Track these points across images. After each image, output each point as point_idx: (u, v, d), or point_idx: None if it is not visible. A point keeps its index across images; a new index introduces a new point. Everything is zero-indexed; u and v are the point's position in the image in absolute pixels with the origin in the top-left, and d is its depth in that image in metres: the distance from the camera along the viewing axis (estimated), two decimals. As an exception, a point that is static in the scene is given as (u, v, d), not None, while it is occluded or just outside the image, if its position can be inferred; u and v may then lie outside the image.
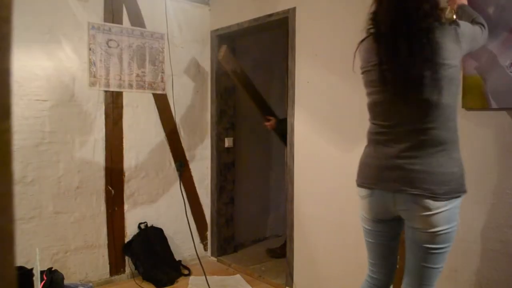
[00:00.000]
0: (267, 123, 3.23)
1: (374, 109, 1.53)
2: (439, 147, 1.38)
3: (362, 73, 1.55)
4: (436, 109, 1.37)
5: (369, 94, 1.54)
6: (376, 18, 1.47)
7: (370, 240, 1.63)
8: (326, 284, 2.61)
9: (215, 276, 3.07)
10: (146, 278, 2.99)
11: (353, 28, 2.36)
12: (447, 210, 1.38)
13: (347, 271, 2.45)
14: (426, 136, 1.39)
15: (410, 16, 1.37)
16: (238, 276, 3.14)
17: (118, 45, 2.98)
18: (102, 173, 2.93)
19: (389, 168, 1.45)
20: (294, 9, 2.73)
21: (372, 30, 1.49)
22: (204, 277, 2.84)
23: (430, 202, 1.37)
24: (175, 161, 3.32)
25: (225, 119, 3.55)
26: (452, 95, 1.41)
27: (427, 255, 1.43)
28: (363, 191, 1.56)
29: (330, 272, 2.57)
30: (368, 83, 1.53)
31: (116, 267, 3.02)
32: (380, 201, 1.51)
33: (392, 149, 1.45)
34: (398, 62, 1.39)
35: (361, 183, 1.58)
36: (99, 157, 2.91)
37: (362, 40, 1.55)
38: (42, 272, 2.42)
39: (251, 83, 3.15)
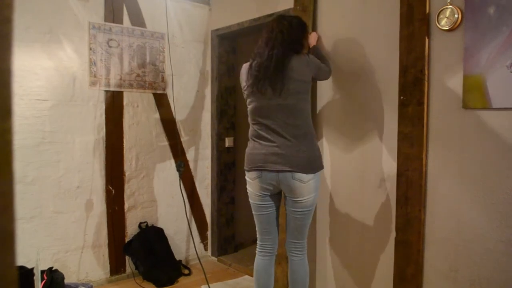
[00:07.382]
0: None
1: None
2: None
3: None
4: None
5: None
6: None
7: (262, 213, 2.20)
8: (326, 284, 2.61)
9: (229, 281, 3.03)
10: (146, 278, 3.00)
11: (352, 27, 2.36)
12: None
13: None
14: None
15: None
16: (247, 277, 3.11)
17: (119, 44, 2.98)
18: (102, 173, 2.93)
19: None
20: (294, 9, 2.72)
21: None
22: (218, 283, 2.82)
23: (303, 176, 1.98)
24: (175, 161, 3.32)
25: (226, 119, 3.55)
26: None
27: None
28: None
29: (330, 271, 2.57)
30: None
31: (116, 267, 3.02)
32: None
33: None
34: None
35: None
36: (99, 157, 2.91)
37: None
38: (42, 272, 2.43)
39: None
